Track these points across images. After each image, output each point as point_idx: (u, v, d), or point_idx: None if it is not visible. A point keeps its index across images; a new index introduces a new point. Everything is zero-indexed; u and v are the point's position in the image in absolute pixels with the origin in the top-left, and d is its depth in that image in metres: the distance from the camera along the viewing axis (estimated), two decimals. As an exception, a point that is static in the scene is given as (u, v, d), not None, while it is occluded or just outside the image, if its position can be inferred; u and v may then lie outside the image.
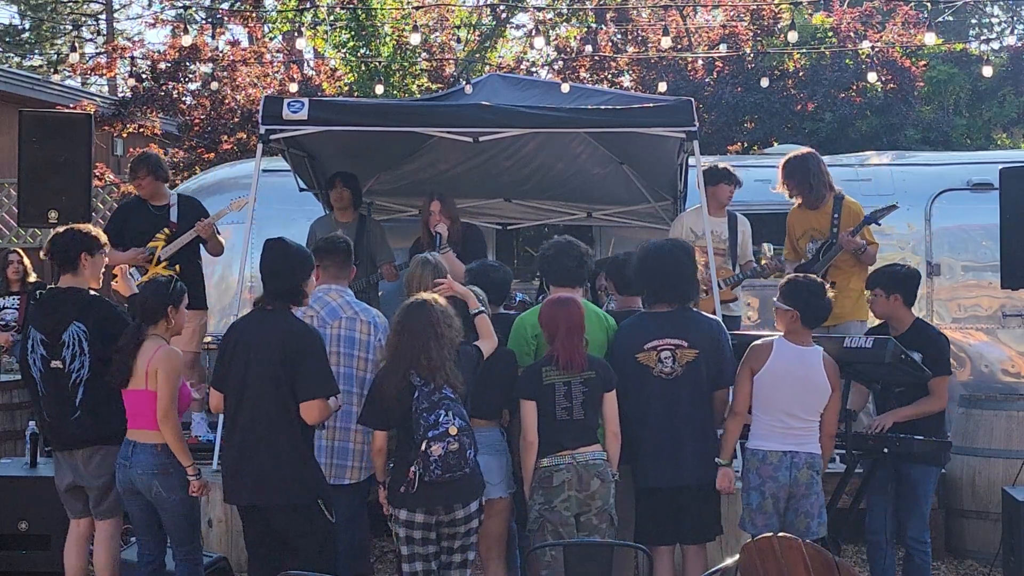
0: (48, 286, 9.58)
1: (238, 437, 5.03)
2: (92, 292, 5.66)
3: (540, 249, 5.97)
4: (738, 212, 7.86)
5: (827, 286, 5.58)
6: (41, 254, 5.99)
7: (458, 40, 17.27)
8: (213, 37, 15.45)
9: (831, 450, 5.45)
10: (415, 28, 12.41)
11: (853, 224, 7.20)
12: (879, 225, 7.41)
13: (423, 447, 4.76)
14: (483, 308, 5.40)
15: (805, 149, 7.68)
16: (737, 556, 4.17)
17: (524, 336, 5.60)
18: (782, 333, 5.47)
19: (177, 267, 7.51)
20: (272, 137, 7.21)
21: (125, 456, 5.31)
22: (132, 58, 15.61)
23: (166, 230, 7.58)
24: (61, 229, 5.78)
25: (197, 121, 14.63)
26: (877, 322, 6.33)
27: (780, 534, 4.01)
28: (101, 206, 14.31)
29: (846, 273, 7.22)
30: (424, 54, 15.72)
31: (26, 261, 9.50)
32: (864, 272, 6.83)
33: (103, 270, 5.85)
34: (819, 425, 5.36)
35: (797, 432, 5.31)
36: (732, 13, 16.50)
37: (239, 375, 5.02)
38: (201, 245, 7.66)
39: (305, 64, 17.05)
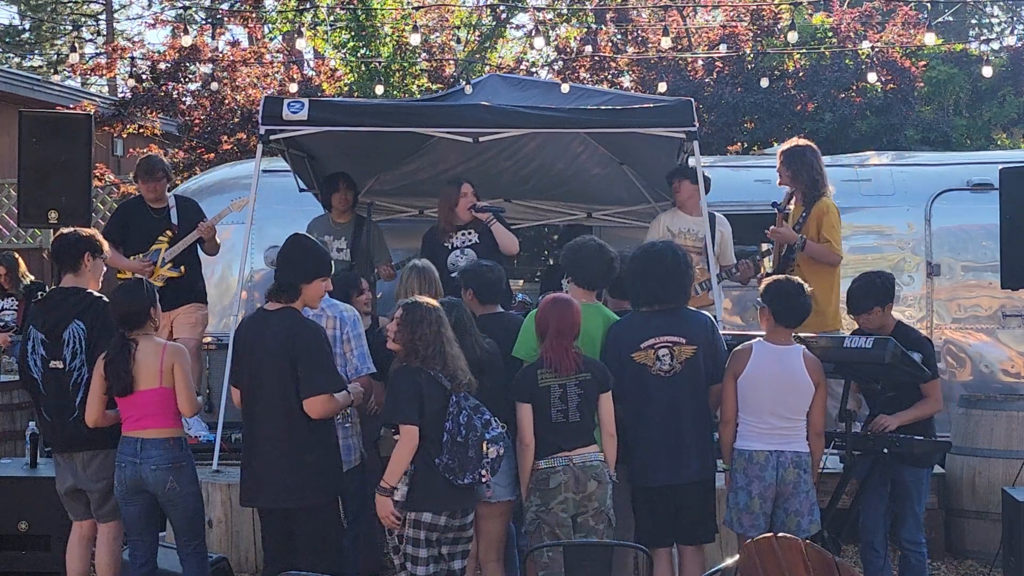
0: (45, 287, 9.70)
1: (252, 438, 5.05)
2: (94, 293, 5.66)
3: (565, 248, 5.90)
4: (718, 212, 7.71)
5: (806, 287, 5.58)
6: (45, 255, 6.04)
7: (458, 40, 17.27)
8: (213, 37, 15.47)
9: (821, 448, 5.43)
10: (415, 28, 12.42)
11: (816, 223, 7.09)
12: (782, 211, 7.32)
13: (483, 448, 4.83)
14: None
15: (805, 141, 7.52)
16: (737, 556, 4.17)
17: (531, 335, 5.50)
18: (764, 334, 5.47)
19: (183, 268, 7.54)
20: (272, 137, 7.22)
21: (132, 453, 5.28)
22: (132, 58, 15.59)
23: (168, 232, 7.61)
24: (64, 230, 5.80)
25: (197, 121, 14.62)
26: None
27: (780, 534, 4.01)
28: (101, 206, 14.32)
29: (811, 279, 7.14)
30: (424, 54, 15.72)
31: (22, 265, 9.58)
32: (826, 282, 6.77)
33: (104, 272, 5.87)
34: (806, 423, 5.35)
35: (782, 432, 5.30)
36: (732, 13, 16.49)
37: (249, 375, 5.05)
38: (198, 245, 7.70)
39: (305, 64, 17.05)
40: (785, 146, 7.40)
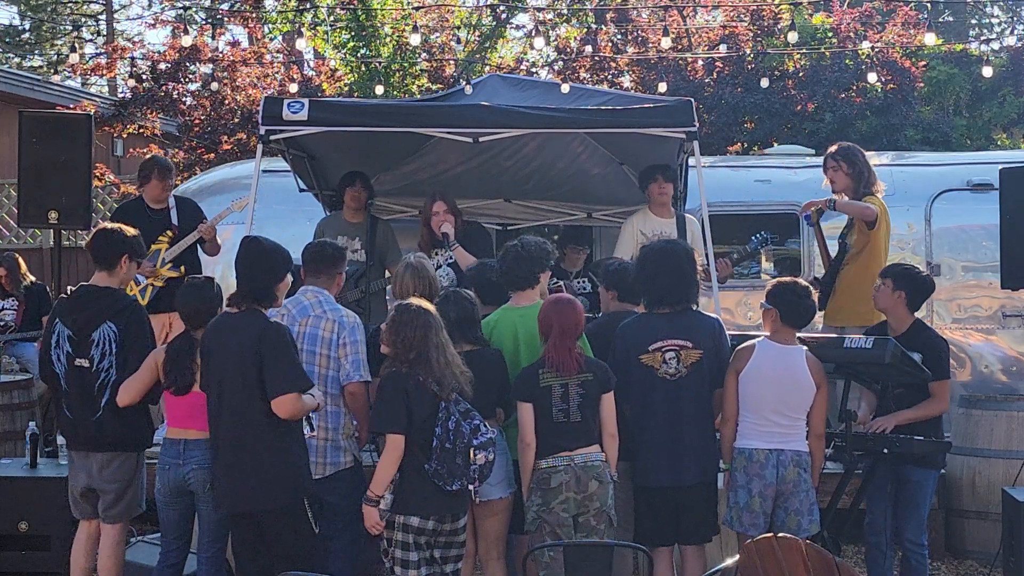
0: (46, 287, 9.72)
1: (220, 442, 4.98)
2: (128, 295, 5.63)
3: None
4: (686, 214, 7.67)
5: (812, 288, 5.58)
6: (84, 245, 5.96)
7: (458, 40, 17.28)
8: (213, 38, 15.49)
9: (822, 451, 5.43)
10: (415, 28, 12.43)
11: (861, 219, 7.04)
12: (813, 225, 7.31)
13: (471, 455, 4.80)
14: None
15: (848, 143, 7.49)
16: (737, 556, 4.17)
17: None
18: (768, 334, 5.48)
19: (182, 268, 7.55)
20: (272, 138, 7.20)
21: (175, 455, 5.26)
22: (132, 59, 15.63)
23: (169, 232, 7.61)
24: (108, 226, 5.69)
25: (197, 122, 14.64)
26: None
27: (780, 534, 4.01)
28: (101, 206, 14.33)
29: (859, 272, 7.10)
30: (424, 54, 15.73)
31: (23, 265, 9.60)
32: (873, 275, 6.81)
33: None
34: (807, 424, 5.35)
35: (783, 430, 5.31)
36: (732, 13, 16.50)
37: (216, 379, 4.97)
38: (199, 245, 7.70)
39: (305, 65, 17.06)
40: (837, 147, 7.31)
